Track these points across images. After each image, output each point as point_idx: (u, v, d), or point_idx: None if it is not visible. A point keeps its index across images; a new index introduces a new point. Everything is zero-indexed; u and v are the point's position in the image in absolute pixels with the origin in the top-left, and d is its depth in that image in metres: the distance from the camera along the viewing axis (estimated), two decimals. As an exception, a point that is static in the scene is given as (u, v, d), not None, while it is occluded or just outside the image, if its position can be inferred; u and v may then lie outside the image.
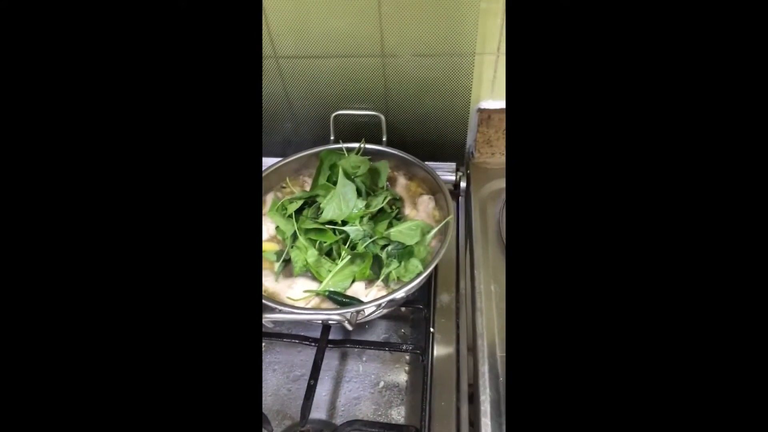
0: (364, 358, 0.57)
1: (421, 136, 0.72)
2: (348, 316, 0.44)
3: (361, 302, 0.49)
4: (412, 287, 0.48)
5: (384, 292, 0.50)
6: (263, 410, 0.49)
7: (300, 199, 0.58)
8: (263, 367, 0.57)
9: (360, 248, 0.54)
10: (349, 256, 0.52)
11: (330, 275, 0.49)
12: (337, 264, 0.51)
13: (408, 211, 0.59)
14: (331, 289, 0.50)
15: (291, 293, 0.50)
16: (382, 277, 0.52)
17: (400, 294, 0.47)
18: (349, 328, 0.45)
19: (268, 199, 0.62)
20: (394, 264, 0.51)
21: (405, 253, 0.51)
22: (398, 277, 0.52)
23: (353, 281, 0.51)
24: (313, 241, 0.55)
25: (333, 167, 0.64)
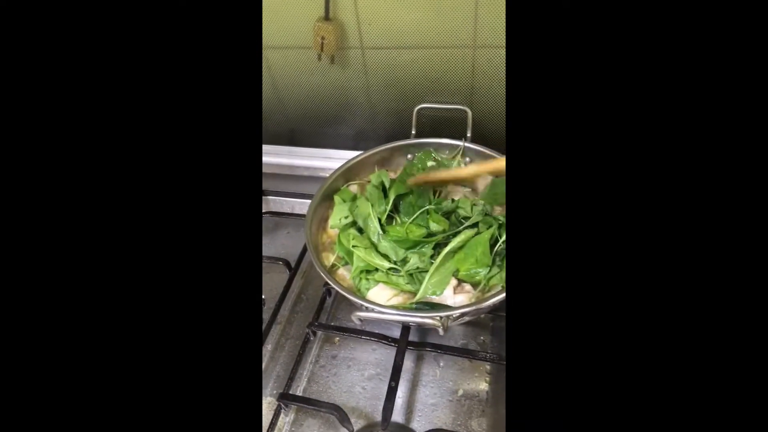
0: (441, 364, 0.54)
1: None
2: (441, 319, 0.42)
3: (447, 307, 0.47)
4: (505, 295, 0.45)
5: (474, 297, 0.47)
6: (339, 405, 0.48)
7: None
8: (338, 363, 0.56)
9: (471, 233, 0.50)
10: (453, 244, 0.48)
11: (427, 277, 0.47)
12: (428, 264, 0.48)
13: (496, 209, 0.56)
14: (422, 301, 0.48)
15: (373, 295, 0.49)
16: (485, 281, 0.49)
17: (496, 299, 0.45)
18: (442, 333, 0.43)
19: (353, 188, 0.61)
20: (496, 269, 0.48)
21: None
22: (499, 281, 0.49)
23: (456, 272, 0.48)
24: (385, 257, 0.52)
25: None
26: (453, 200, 0.56)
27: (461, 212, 0.54)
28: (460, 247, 0.49)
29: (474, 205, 0.55)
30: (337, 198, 0.59)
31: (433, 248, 0.51)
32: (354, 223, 0.56)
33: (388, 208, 0.56)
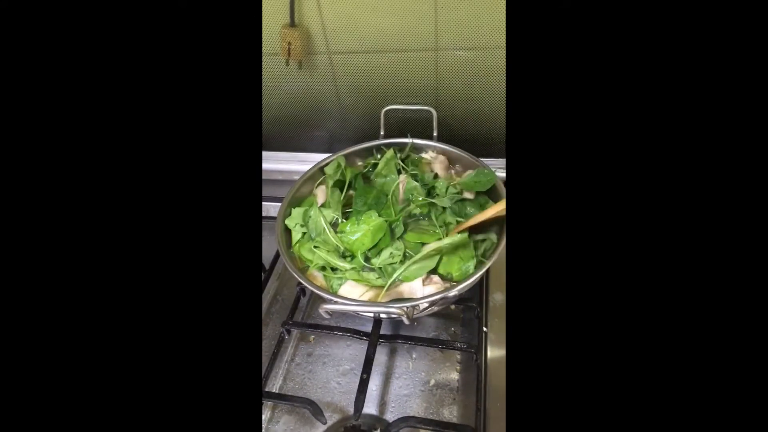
0: (413, 355, 0.56)
1: (472, 131, 0.70)
2: (406, 309, 0.43)
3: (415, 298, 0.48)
4: (471, 282, 0.47)
5: (442, 288, 0.49)
6: (314, 400, 0.49)
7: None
8: (313, 359, 0.57)
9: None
10: (441, 245, 0.49)
11: (406, 264, 0.48)
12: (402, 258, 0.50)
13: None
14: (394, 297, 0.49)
15: (344, 292, 0.50)
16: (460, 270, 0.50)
17: (460, 287, 0.46)
18: (407, 322, 0.45)
19: (320, 193, 0.62)
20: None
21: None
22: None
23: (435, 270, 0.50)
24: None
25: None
26: (435, 175, 0.59)
27: (437, 190, 0.57)
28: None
29: (450, 186, 0.57)
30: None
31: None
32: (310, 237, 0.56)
33: (344, 194, 0.58)
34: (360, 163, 0.66)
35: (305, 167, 0.67)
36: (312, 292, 0.62)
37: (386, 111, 0.67)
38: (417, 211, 0.56)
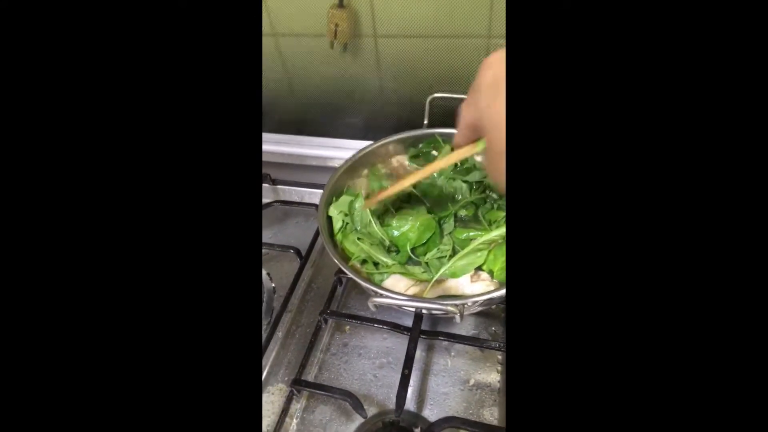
0: (452, 353, 0.54)
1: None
2: (457, 307, 0.42)
3: (463, 296, 0.47)
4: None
5: (491, 286, 0.47)
6: (352, 391, 0.48)
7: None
8: (349, 350, 0.56)
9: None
10: (489, 236, 0.48)
11: (453, 260, 0.47)
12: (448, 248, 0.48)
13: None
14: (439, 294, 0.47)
15: (390, 285, 0.49)
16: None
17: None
18: (458, 321, 0.43)
19: (362, 185, 0.60)
20: None
21: None
22: None
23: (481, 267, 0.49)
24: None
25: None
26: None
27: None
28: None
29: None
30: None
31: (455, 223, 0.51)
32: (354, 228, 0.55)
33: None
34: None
35: (342, 154, 0.65)
36: (347, 281, 0.61)
37: (431, 99, 0.65)
38: (463, 212, 0.54)
